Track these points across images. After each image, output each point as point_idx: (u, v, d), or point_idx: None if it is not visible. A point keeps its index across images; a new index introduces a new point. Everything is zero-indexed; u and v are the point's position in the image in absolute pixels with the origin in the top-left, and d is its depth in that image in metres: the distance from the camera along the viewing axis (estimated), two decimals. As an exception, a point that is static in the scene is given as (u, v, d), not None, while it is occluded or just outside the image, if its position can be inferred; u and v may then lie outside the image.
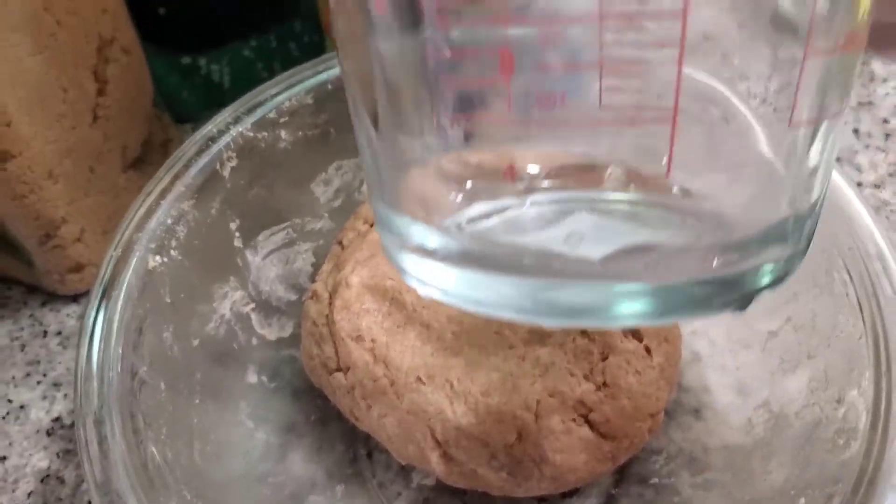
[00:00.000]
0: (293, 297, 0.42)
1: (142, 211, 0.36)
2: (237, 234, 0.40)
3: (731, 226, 0.23)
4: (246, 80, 0.57)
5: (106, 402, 0.31)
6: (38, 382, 0.46)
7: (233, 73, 0.57)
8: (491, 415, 0.34)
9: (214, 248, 0.39)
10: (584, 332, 0.36)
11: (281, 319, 0.42)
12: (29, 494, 0.42)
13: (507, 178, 0.23)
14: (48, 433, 0.44)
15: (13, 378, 0.46)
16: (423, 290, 0.24)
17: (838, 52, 0.21)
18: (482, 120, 0.22)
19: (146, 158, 0.51)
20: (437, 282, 0.24)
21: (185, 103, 0.57)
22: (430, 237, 0.23)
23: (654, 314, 0.22)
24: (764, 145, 0.22)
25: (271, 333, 0.41)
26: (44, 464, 0.43)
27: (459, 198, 0.23)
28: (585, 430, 0.35)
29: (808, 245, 0.24)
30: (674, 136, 0.21)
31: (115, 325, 0.33)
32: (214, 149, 0.38)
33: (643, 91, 0.21)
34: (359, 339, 0.37)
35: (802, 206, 0.23)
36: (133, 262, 0.34)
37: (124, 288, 0.34)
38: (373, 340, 0.36)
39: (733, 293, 0.23)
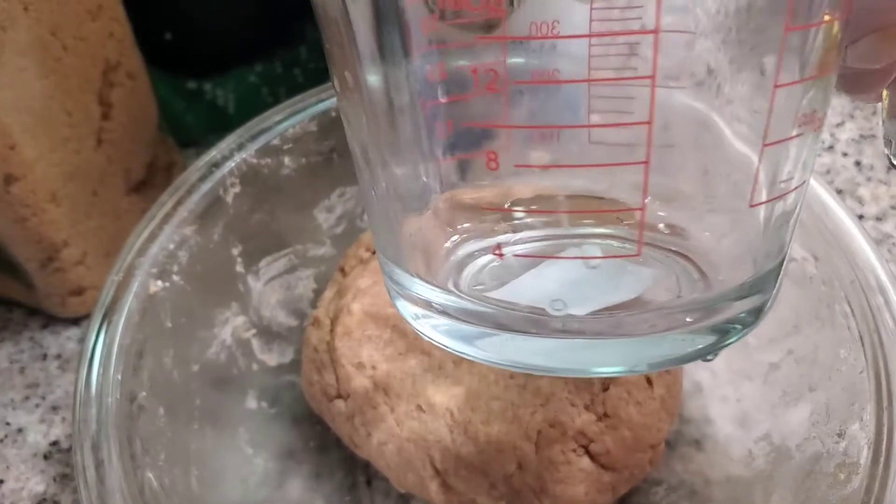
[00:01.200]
0: (294, 322, 0.42)
1: (144, 235, 0.36)
2: (239, 259, 0.40)
3: (710, 281, 0.23)
4: (251, 106, 0.58)
5: (104, 426, 0.31)
6: (37, 405, 0.46)
7: (238, 99, 0.58)
8: (491, 444, 0.34)
9: (216, 273, 0.39)
10: None
11: (282, 345, 0.42)
12: (25, 519, 0.42)
13: (496, 219, 0.24)
14: (45, 457, 0.44)
15: (12, 401, 0.46)
16: (421, 333, 0.25)
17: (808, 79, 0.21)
18: (475, 161, 0.23)
19: (149, 182, 0.51)
20: (434, 331, 0.25)
21: (190, 128, 0.57)
22: (428, 293, 0.25)
23: (631, 367, 0.24)
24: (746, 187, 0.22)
25: (272, 359, 0.41)
26: (40, 488, 0.43)
27: (453, 244, 0.24)
28: (586, 461, 0.35)
29: (778, 291, 0.25)
30: (647, 178, 0.21)
31: (115, 349, 0.33)
32: (218, 175, 0.38)
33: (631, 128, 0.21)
34: (359, 366, 0.36)
35: (776, 259, 0.24)
36: (134, 286, 0.34)
37: (125, 312, 0.34)
38: (373, 367, 0.36)
39: (709, 345, 0.23)
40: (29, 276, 0.46)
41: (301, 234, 0.42)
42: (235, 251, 0.40)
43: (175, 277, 0.36)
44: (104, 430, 0.31)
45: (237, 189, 0.39)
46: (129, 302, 0.34)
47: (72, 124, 0.43)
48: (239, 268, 0.40)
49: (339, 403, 0.37)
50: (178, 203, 0.37)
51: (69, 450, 0.44)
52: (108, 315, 0.34)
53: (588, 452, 0.35)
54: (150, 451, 0.32)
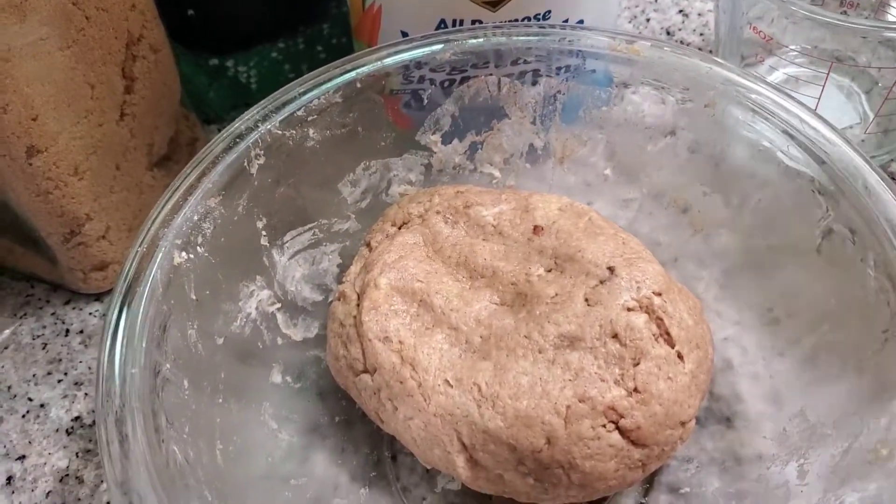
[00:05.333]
0: (319, 297, 0.42)
1: (168, 206, 0.35)
2: (263, 232, 0.39)
3: None
4: (273, 82, 0.57)
5: (128, 399, 0.30)
6: (59, 381, 0.46)
7: (260, 75, 0.57)
8: (519, 419, 0.34)
9: (241, 246, 0.38)
10: (615, 336, 0.35)
11: (306, 320, 0.41)
12: (47, 494, 0.41)
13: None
14: (68, 432, 0.44)
15: (34, 376, 0.46)
16: None
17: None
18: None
19: (172, 157, 0.50)
20: None
21: (212, 104, 0.57)
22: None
23: None
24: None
25: (297, 334, 0.41)
26: (63, 463, 0.43)
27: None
28: (616, 437, 0.34)
29: None
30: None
31: (139, 321, 0.32)
32: (242, 146, 0.37)
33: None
34: (386, 340, 0.36)
35: None
36: (158, 257, 0.34)
37: (149, 284, 0.33)
38: (400, 342, 0.36)
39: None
40: (52, 251, 0.46)
41: (325, 209, 0.42)
42: (260, 224, 0.39)
43: (199, 249, 0.36)
44: (128, 403, 0.30)
45: (261, 161, 0.38)
46: (153, 273, 0.33)
47: (95, 97, 0.42)
48: (263, 241, 0.39)
49: (366, 378, 0.36)
50: (203, 174, 0.36)
51: (92, 425, 0.44)
52: (131, 286, 0.33)
53: (618, 428, 0.34)
54: (174, 424, 0.32)
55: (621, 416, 0.34)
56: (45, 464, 0.43)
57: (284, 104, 0.39)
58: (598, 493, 0.35)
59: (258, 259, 0.39)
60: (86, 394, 0.45)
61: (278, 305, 0.40)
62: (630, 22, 0.61)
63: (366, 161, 0.42)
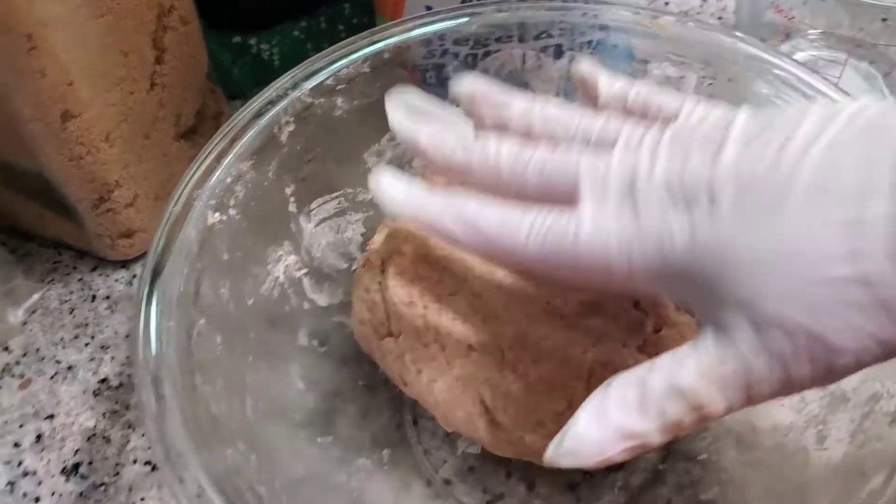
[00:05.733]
0: (343, 265, 0.43)
1: (202, 169, 0.36)
2: (292, 199, 0.40)
3: None
4: (295, 61, 0.57)
5: (165, 351, 0.31)
6: (86, 344, 0.47)
7: (282, 54, 0.58)
8: (542, 382, 0.34)
9: (270, 210, 0.39)
10: (636, 304, 0.36)
11: (332, 286, 0.42)
12: (76, 452, 0.42)
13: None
14: (95, 394, 0.44)
15: (62, 339, 0.47)
16: None
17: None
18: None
19: (198, 129, 0.51)
20: None
21: (236, 81, 0.57)
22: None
23: None
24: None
25: (322, 299, 0.41)
26: (90, 423, 0.43)
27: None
28: None
29: None
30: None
31: (175, 277, 0.33)
32: (273, 112, 0.38)
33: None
34: (411, 304, 0.37)
35: None
36: (193, 217, 0.35)
37: (184, 242, 0.34)
38: (425, 307, 0.36)
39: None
40: (80, 217, 0.47)
41: (351, 178, 0.42)
42: (289, 191, 0.40)
43: (231, 211, 0.36)
44: (165, 355, 0.31)
45: (291, 128, 0.39)
46: (188, 231, 0.34)
47: (127, 65, 0.43)
48: (292, 207, 0.40)
49: (390, 342, 0.37)
50: (235, 138, 0.37)
51: (119, 387, 0.45)
52: (167, 244, 0.34)
53: None
54: (208, 379, 0.33)
55: None
56: (72, 423, 0.43)
57: (314, 73, 0.40)
58: None
59: (286, 225, 0.40)
60: (112, 357, 0.46)
61: (305, 271, 0.41)
62: (650, 4, 0.62)
63: (391, 132, 0.42)
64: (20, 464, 0.42)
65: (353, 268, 0.42)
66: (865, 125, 0.23)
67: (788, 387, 0.24)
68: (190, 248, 0.34)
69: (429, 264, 0.38)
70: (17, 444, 0.43)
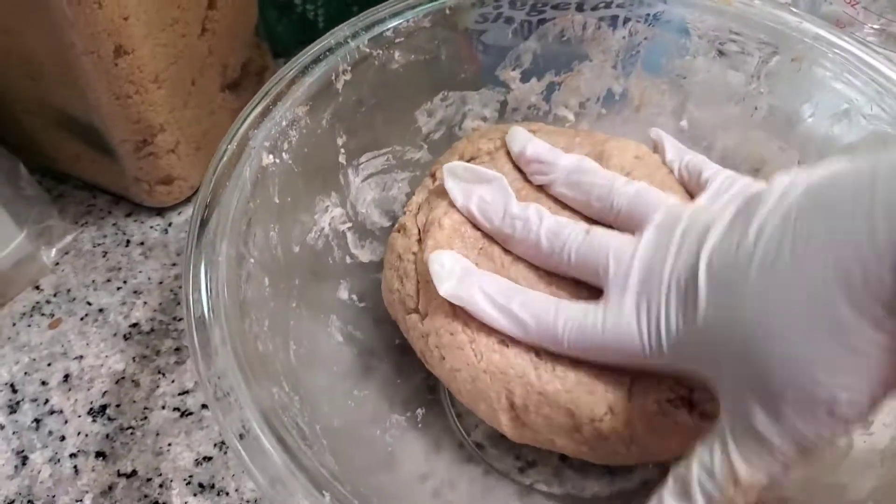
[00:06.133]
0: (386, 223, 0.42)
1: (258, 109, 0.36)
2: (342, 150, 0.40)
3: None
4: (340, 21, 0.57)
5: (216, 284, 0.31)
6: (118, 289, 0.46)
7: (327, 14, 0.57)
8: (581, 385, 0.32)
9: (321, 159, 0.39)
10: None
11: (373, 243, 0.42)
12: (103, 394, 0.42)
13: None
14: (125, 338, 0.44)
15: (93, 282, 0.46)
16: None
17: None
18: None
19: (241, 83, 0.51)
20: None
21: (280, 38, 0.57)
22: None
23: None
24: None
25: (364, 255, 0.41)
26: (119, 366, 0.43)
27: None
28: (683, 414, 0.32)
29: None
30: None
31: (229, 212, 0.33)
32: (331, 59, 0.38)
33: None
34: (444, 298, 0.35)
35: None
36: (249, 156, 0.34)
37: (239, 179, 0.33)
38: None
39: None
40: (120, 159, 0.46)
41: (401, 135, 0.42)
42: (340, 141, 0.39)
43: (285, 155, 0.36)
44: (216, 288, 0.31)
45: (348, 77, 0.38)
46: (242, 170, 0.34)
47: (181, 6, 0.43)
48: (342, 159, 0.40)
49: (415, 318, 0.36)
50: (292, 82, 0.37)
51: (149, 333, 0.44)
52: (221, 180, 0.33)
53: (690, 401, 0.33)
54: (256, 316, 0.32)
55: (692, 390, 0.33)
56: (101, 365, 0.43)
57: (374, 23, 0.39)
58: (653, 459, 0.34)
59: (335, 176, 0.40)
60: (144, 302, 0.45)
61: (349, 225, 0.40)
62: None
63: (444, 91, 0.42)
64: (47, 402, 0.42)
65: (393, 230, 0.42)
66: (796, 205, 0.26)
67: (809, 441, 0.26)
68: (244, 185, 0.34)
69: (466, 241, 0.36)
70: (44, 383, 0.42)
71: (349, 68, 0.38)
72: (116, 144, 0.45)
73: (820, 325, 0.25)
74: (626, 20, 0.42)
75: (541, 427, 0.33)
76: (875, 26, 0.49)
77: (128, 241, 0.48)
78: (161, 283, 0.46)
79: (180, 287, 0.45)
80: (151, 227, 0.49)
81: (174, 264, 0.47)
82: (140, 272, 0.47)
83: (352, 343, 0.39)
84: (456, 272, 0.33)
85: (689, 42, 0.41)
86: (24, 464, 0.39)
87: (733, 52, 0.41)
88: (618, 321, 0.30)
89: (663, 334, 0.29)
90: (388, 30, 0.39)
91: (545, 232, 0.34)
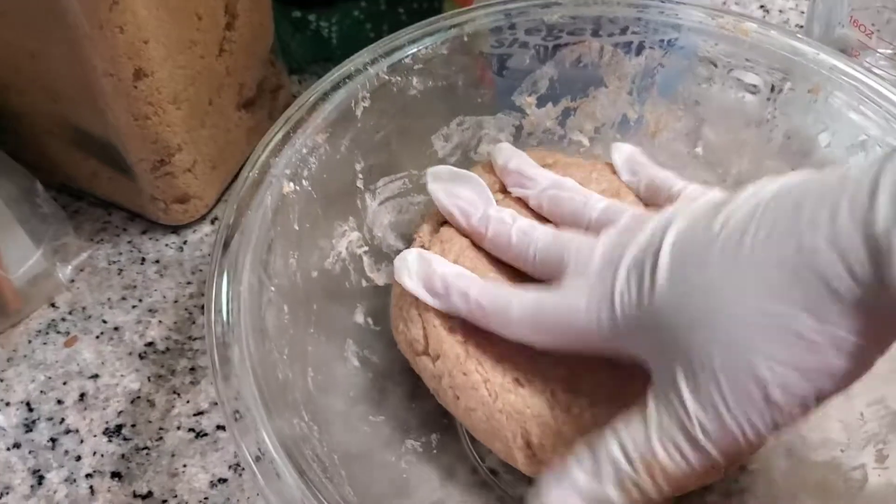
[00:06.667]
0: (402, 246, 0.42)
1: (278, 136, 0.36)
2: (360, 175, 0.40)
3: None
4: (353, 40, 0.57)
5: (236, 312, 0.31)
6: (134, 307, 0.46)
7: (341, 32, 0.57)
8: (599, 426, 0.32)
9: (340, 185, 0.39)
10: None
11: (389, 266, 0.41)
12: (119, 413, 0.42)
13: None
14: (141, 357, 0.44)
15: (109, 300, 0.47)
16: None
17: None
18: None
19: (256, 102, 0.51)
20: None
21: (294, 55, 0.57)
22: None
23: None
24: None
25: (380, 279, 0.41)
26: (135, 386, 0.43)
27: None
28: None
29: None
30: None
31: (250, 240, 0.33)
32: (351, 86, 0.38)
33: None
34: (451, 330, 0.35)
35: None
36: (270, 183, 0.34)
37: (260, 207, 0.34)
38: (466, 335, 0.35)
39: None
40: (137, 178, 0.46)
41: (417, 159, 0.42)
42: (358, 166, 0.40)
43: (304, 182, 0.36)
44: (236, 316, 0.31)
45: (367, 103, 0.39)
46: (263, 197, 0.34)
47: (200, 28, 0.43)
48: (359, 183, 0.40)
49: (426, 361, 0.36)
50: (313, 109, 0.37)
51: (165, 352, 0.44)
52: (242, 207, 0.34)
53: None
54: (277, 344, 0.32)
55: None
56: (117, 384, 0.43)
57: (393, 50, 0.39)
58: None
59: (353, 200, 0.40)
60: (160, 321, 0.45)
61: (365, 248, 0.41)
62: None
63: (461, 116, 0.42)
64: (62, 421, 0.42)
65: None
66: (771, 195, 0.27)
67: (740, 431, 0.26)
68: (265, 214, 0.34)
69: (474, 274, 0.36)
70: (60, 402, 0.42)
71: (368, 95, 0.39)
72: (134, 164, 0.45)
73: (771, 311, 0.25)
74: (642, 46, 0.42)
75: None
76: (888, 51, 0.49)
77: (143, 259, 0.48)
78: (176, 301, 0.46)
79: (195, 306, 0.46)
80: (167, 245, 0.49)
81: (189, 283, 0.47)
82: (155, 290, 0.47)
83: (367, 367, 0.39)
84: (415, 266, 0.35)
85: (704, 69, 0.42)
86: (40, 483, 0.40)
87: (749, 80, 0.41)
88: (571, 300, 0.31)
89: (618, 312, 0.29)
90: (406, 56, 0.39)
91: (516, 230, 0.35)
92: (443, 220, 0.39)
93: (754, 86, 0.41)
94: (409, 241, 0.43)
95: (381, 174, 0.41)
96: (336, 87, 0.38)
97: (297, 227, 0.36)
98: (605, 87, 0.43)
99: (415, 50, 0.40)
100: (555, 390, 0.34)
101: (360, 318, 0.40)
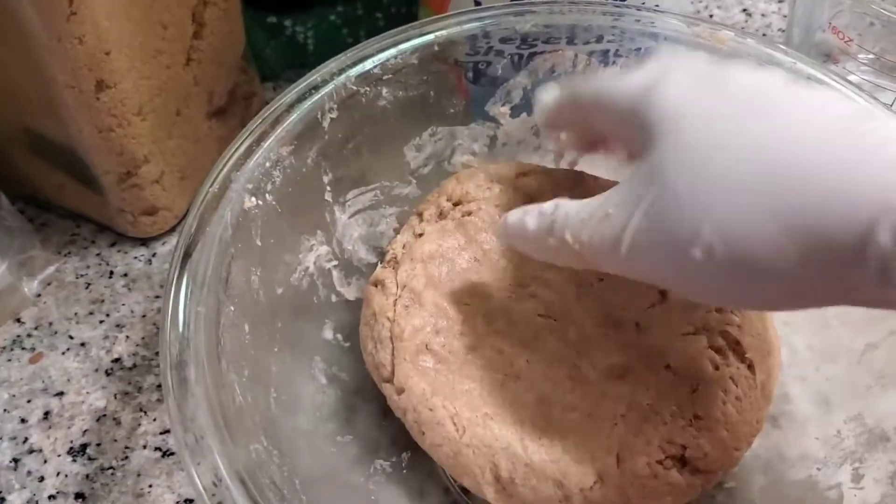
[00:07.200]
0: (374, 259, 0.41)
1: (241, 150, 0.35)
2: (329, 188, 0.39)
3: None
4: (330, 45, 0.56)
5: (193, 335, 0.30)
6: (101, 322, 0.45)
7: (317, 37, 0.57)
8: (568, 454, 0.32)
9: (306, 198, 0.38)
10: (667, 366, 0.34)
11: (360, 280, 0.41)
12: (84, 432, 0.41)
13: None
14: (107, 373, 0.43)
15: (76, 314, 0.46)
16: None
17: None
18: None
19: (228, 109, 0.50)
20: None
21: (269, 61, 0.56)
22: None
23: None
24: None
25: (350, 293, 0.40)
26: (101, 403, 0.42)
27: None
28: (674, 474, 0.32)
29: None
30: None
31: (208, 258, 0.32)
32: (317, 97, 0.37)
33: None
34: (420, 359, 0.34)
35: None
36: (231, 199, 0.33)
37: (220, 224, 0.33)
38: (435, 370, 0.34)
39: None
40: (104, 190, 0.45)
41: (389, 171, 0.41)
42: (326, 179, 0.39)
43: (268, 196, 0.35)
44: (193, 339, 0.30)
45: (334, 115, 0.38)
46: (223, 214, 0.33)
47: (166, 38, 0.42)
48: (328, 196, 0.39)
49: (390, 390, 0.34)
50: (277, 121, 0.36)
51: (132, 368, 0.43)
52: (201, 225, 0.33)
53: (683, 458, 0.32)
54: (235, 366, 0.31)
55: (685, 447, 0.32)
56: (82, 402, 0.42)
57: (361, 60, 0.38)
58: None
59: (321, 214, 0.39)
60: (127, 336, 0.45)
61: (335, 263, 0.40)
62: (697, 12, 0.60)
63: (433, 126, 0.42)
64: (26, 440, 0.41)
65: (369, 281, 0.39)
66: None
67: (669, 254, 0.25)
68: (224, 231, 0.33)
69: (448, 314, 0.36)
70: (23, 420, 0.41)
71: (335, 106, 0.38)
72: (100, 175, 0.44)
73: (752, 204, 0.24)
74: (617, 55, 0.41)
75: (529, 498, 0.32)
76: (870, 56, 0.48)
77: (111, 273, 0.47)
78: (144, 316, 0.45)
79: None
80: (135, 258, 0.48)
81: (157, 296, 0.46)
82: (123, 305, 0.46)
83: (336, 384, 0.38)
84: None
85: None
86: (1, 505, 0.39)
87: None
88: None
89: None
90: (375, 66, 0.38)
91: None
92: (419, 234, 0.38)
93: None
94: (381, 254, 0.42)
95: (351, 186, 0.40)
96: (302, 98, 0.37)
97: (259, 243, 0.35)
98: None
99: (384, 59, 0.39)
100: (524, 421, 0.33)
101: (328, 334, 0.39)
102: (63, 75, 0.39)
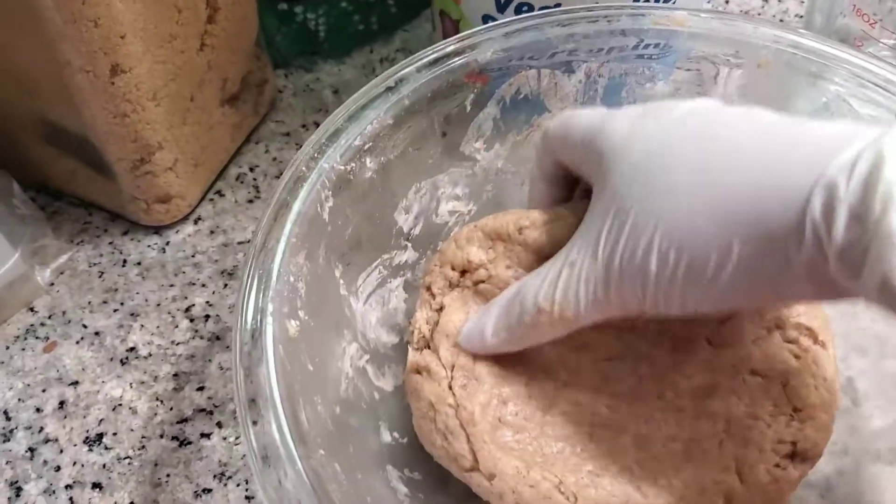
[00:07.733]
0: (395, 339, 0.38)
1: (264, 258, 0.32)
2: (341, 281, 0.36)
3: None
4: (341, 32, 0.56)
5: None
6: (115, 311, 0.45)
7: (328, 24, 0.56)
8: (689, 487, 0.30)
9: (329, 301, 0.35)
10: (753, 372, 0.33)
11: (391, 367, 0.37)
12: (100, 421, 0.41)
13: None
14: (122, 362, 0.43)
15: (89, 303, 0.45)
16: None
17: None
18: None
19: (241, 96, 0.49)
20: None
21: (279, 49, 0.55)
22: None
23: None
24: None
25: (387, 384, 0.37)
26: (116, 392, 0.42)
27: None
28: (791, 471, 0.31)
29: None
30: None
31: (275, 403, 0.29)
32: (311, 190, 0.34)
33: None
34: (505, 447, 0.31)
35: None
36: (273, 327, 0.30)
37: (272, 357, 0.30)
38: (517, 441, 0.31)
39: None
40: (117, 177, 0.45)
41: (385, 242, 0.39)
42: (338, 273, 0.36)
43: (301, 313, 0.32)
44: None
45: (330, 203, 0.35)
46: (272, 346, 0.30)
47: (180, 22, 0.41)
48: (343, 290, 0.36)
49: (479, 478, 0.31)
50: (278, 216, 0.33)
51: (147, 357, 0.43)
52: (251, 368, 0.29)
53: (795, 453, 0.31)
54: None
55: (794, 443, 0.31)
56: (98, 391, 0.42)
57: (335, 134, 0.36)
58: None
59: (341, 311, 0.36)
60: (142, 325, 0.44)
61: (367, 357, 0.37)
62: (709, 3, 0.60)
63: (416, 183, 0.39)
64: (41, 430, 0.40)
65: (405, 339, 0.37)
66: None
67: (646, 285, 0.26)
68: (278, 362, 0.30)
69: (512, 380, 0.33)
70: (38, 410, 0.41)
71: (330, 193, 0.35)
72: (113, 163, 0.44)
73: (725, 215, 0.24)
74: (581, 62, 0.40)
75: None
76: (891, 41, 0.48)
77: (124, 261, 0.47)
78: (159, 304, 0.45)
79: (178, 310, 0.44)
80: (149, 247, 0.47)
81: (172, 285, 0.46)
82: (137, 293, 0.45)
83: (415, 488, 0.34)
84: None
85: (647, 69, 0.40)
86: (17, 495, 0.38)
87: (695, 70, 0.39)
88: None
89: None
90: (354, 139, 0.36)
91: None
92: (437, 308, 0.35)
93: (703, 74, 0.39)
94: (398, 332, 0.39)
95: (358, 272, 0.37)
96: (293, 193, 0.34)
97: (311, 368, 0.32)
98: (548, 112, 0.41)
99: (362, 128, 0.36)
100: (632, 468, 0.31)
101: (386, 436, 0.35)
102: (78, 59, 0.38)
